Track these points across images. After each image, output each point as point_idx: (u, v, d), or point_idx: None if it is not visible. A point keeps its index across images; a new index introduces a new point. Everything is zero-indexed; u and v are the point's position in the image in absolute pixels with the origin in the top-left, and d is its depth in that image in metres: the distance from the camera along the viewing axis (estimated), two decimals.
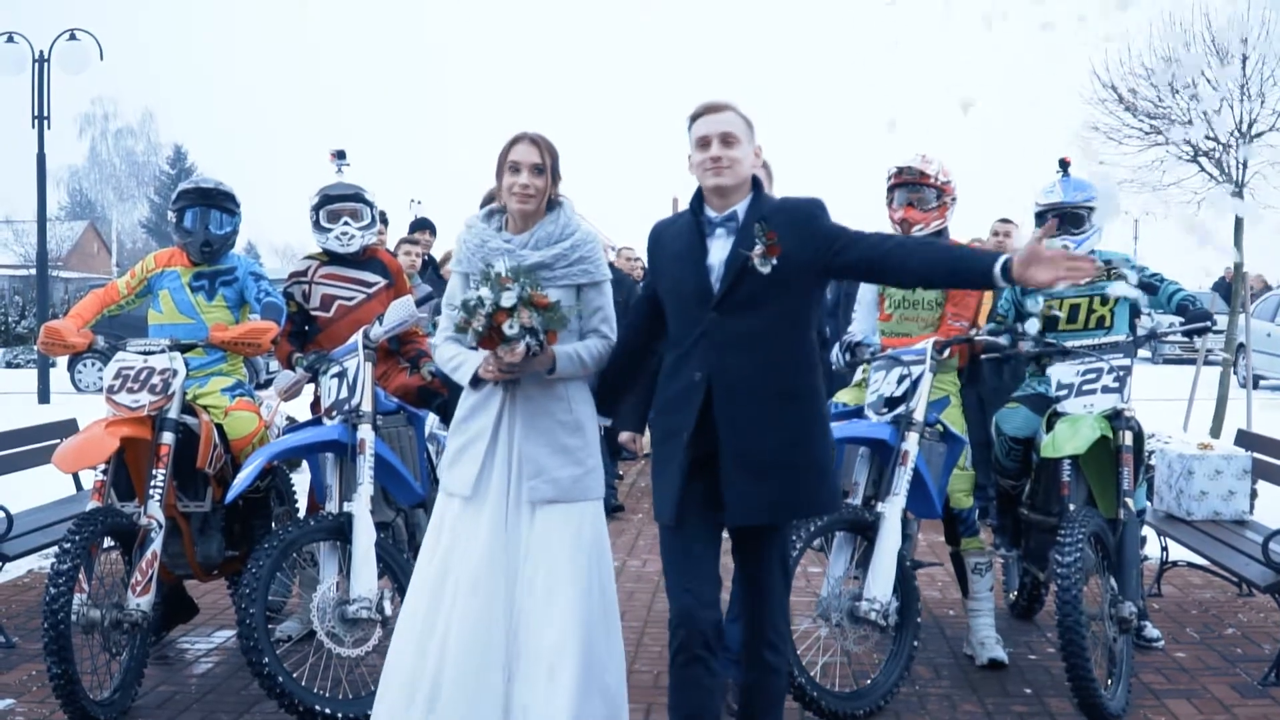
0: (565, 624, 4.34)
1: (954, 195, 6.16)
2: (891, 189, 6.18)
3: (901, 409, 5.58)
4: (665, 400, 4.29)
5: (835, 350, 6.07)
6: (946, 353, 5.80)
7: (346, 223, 6.47)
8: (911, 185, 6.10)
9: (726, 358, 4.11)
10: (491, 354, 4.34)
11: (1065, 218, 6.21)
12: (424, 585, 4.52)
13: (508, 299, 4.21)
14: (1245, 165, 15.97)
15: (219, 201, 6.21)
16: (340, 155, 6.68)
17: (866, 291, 6.38)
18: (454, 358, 4.57)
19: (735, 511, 4.13)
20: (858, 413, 5.83)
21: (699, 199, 4.28)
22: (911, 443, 5.49)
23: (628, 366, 4.63)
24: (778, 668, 4.38)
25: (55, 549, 5.26)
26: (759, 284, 4.07)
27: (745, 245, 4.09)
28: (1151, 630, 6.45)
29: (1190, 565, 7.67)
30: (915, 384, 5.59)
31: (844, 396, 6.19)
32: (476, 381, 4.49)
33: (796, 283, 4.10)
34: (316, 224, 6.52)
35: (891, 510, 5.38)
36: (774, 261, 4.03)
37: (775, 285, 4.07)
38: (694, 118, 4.25)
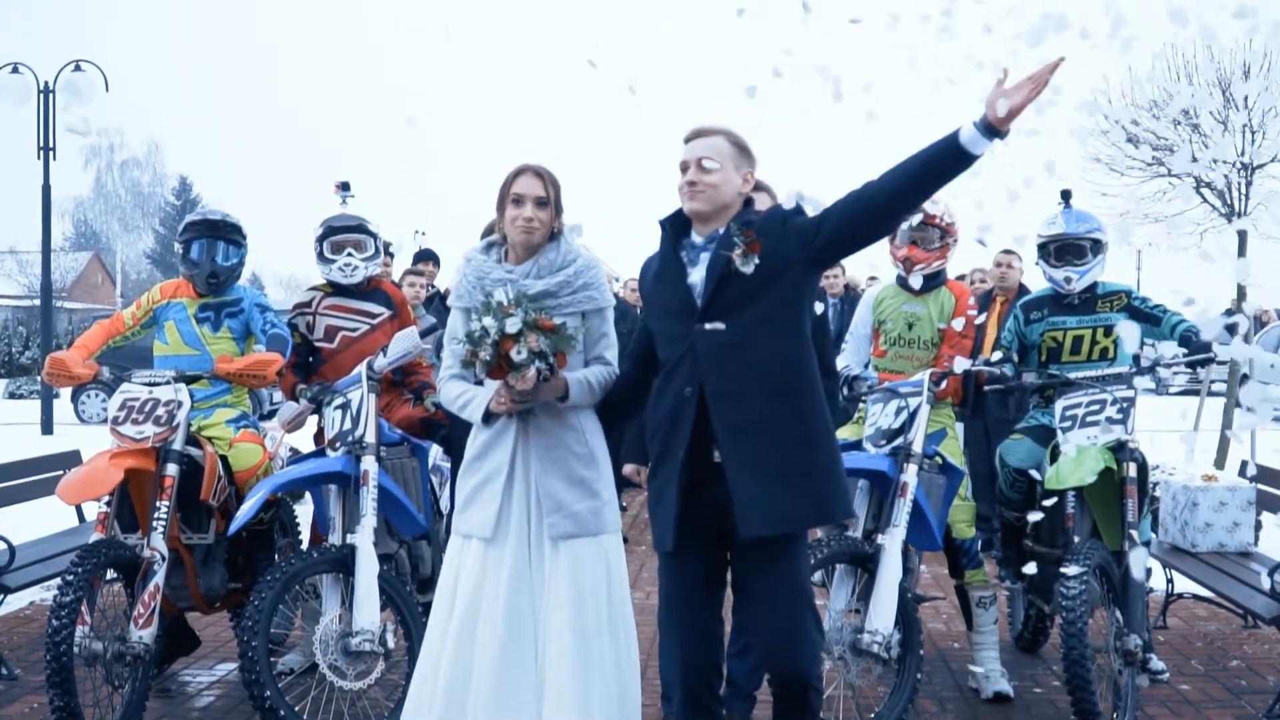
0: (597, 662, 4.25)
1: (956, 236, 6.21)
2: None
3: (900, 441, 5.58)
4: (656, 422, 4.23)
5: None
6: (944, 384, 5.81)
7: (350, 254, 6.49)
8: (917, 224, 6.12)
9: (716, 367, 4.05)
10: (502, 384, 4.27)
11: (1067, 249, 6.23)
12: (450, 630, 4.36)
13: (512, 325, 4.14)
14: (1248, 190, 16.02)
15: (226, 233, 6.24)
16: (345, 187, 6.71)
17: (861, 325, 6.39)
18: (461, 395, 4.49)
19: (747, 520, 4.01)
20: (856, 446, 5.82)
21: (673, 220, 4.27)
22: (910, 474, 5.48)
23: (628, 396, 4.55)
24: (818, 709, 4.27)
25: (58, 581, 5.26)
26: (743, 287, 4.03)
27: (726, 247, 4.05)
28: (1156, 663, 6.42)
29: (1195, 597, 7.65)
30: (913, 416, 5.59)
31: (843, 432, 6.18)
32: (488, 417, 4.40)
33: (781, 282, 4.04)
34: (320, 255, 6.55)
35: (892, 542, 5.36)
36: (756, 260, 4.00)
37: (759, 286, 4.03)
38: (685, 142, 4.23)
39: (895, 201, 3.95)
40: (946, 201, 6.16)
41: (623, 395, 4.54)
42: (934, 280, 6.21)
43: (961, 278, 10.03)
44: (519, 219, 4.42)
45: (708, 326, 4.08)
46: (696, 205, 4.14)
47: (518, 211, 4.42)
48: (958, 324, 6.12)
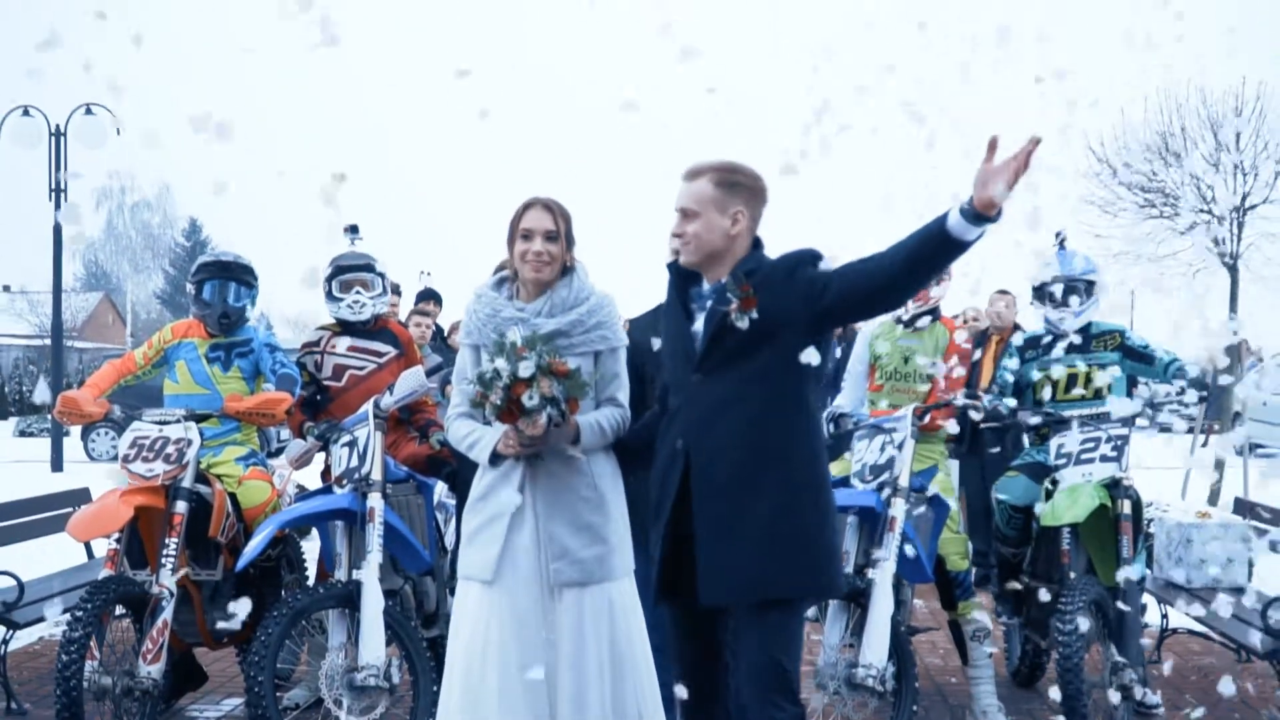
0: (596, 711, 4.13)
1: (949, 273, 6.24)
2: None
3: (886, 476, 5.59)
4: (654, 472, 4.07)
5: None
6: (928, 418, 5.83)
7: (358, 292, 6.52)
8: None
9: (706, 422, 3.86)
10: (511, 428, 4.12)
11: (1062, 289, 6.26)
12: (456, 673, 4.21)
13: (525, 369, 3.98)
14: (1240, 232, 16.10)
15: (237, 274, 6.28)
16: (353, 229, 6.74)
17: (856, 363, 6.43)
18: (469, 435, 4.33)
19: (707, 588, 3.80)
20: (844, 482, 5.83)
21: (680, 264, 4.06)
22: (898, 508, 5.49)
23: (650, 443, 4.25)
24: None
25: (67, 616, 5.26)
26: (739, 341, 3.80)
27: (722, 302, 3.83)
28: (1152, 697, 6.41)
29: (1190, 632, 7.63)
30: (899, 450, 5.61)
31: (831, 467, 6.19)
32: (495, 458, 4.23)
33: (781, 337, 3.78)
34: (329, 294, 6.57)
35: (882, 576, 5.37)
36: (752, 315, 3.76)
37: (757, 341, 3.79)
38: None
39: (893, 285, 3.72)
40: None
41: (647, 439, 4.29)
42: (930, 314, 6.25)
43: (956, 317, 10.06)
44: (529, 254, 4.27)
45: (704, 379, 3.90)
46: (685, 257, 3.97)
47: (527, 246, 4.27)
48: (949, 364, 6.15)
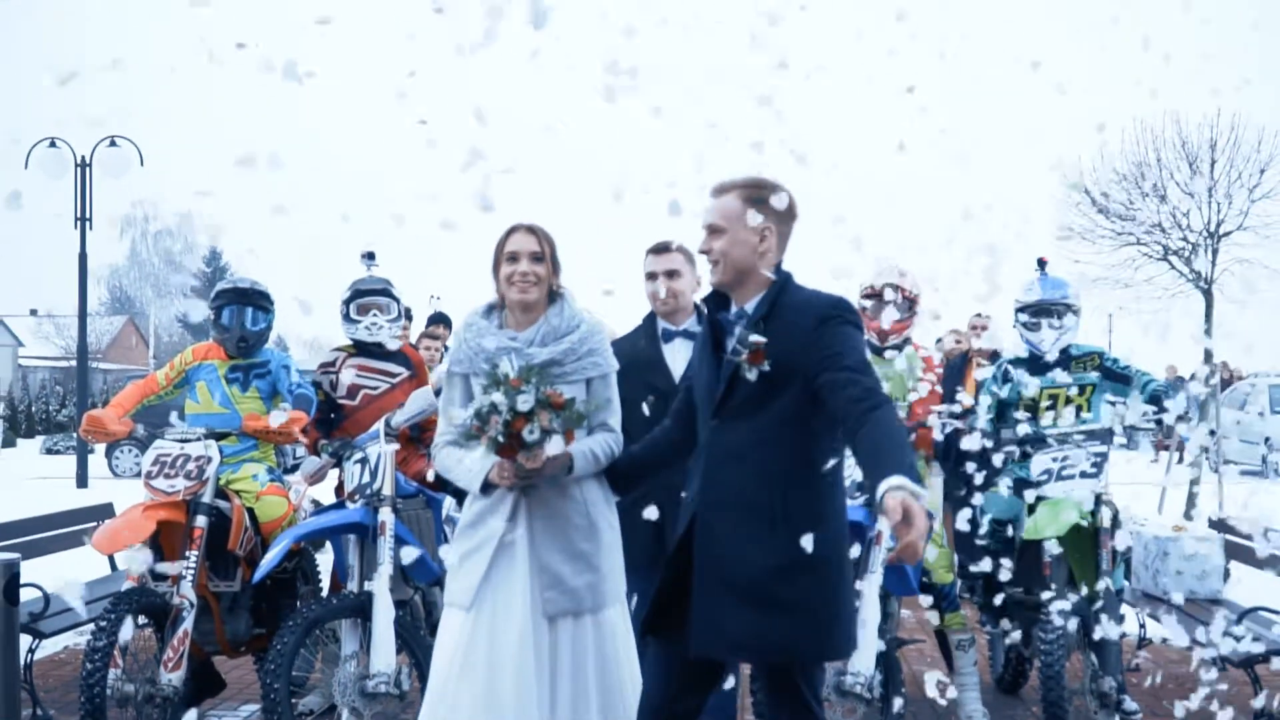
0: None
1: (919, 309, 6.25)
2: (866, 297, 6.23)
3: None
4: (680, 504, 3.85)
5: None
6: (913, 436, 5.84)
7: (375, 315, 6.54)
8: (886, 293, 6.16)
9: (717, 470, 3.65)
10: (508, 461, 3.96)
11: (1042, 313, 6.27)
12: (438, 705, 4.10)
13: (524, 403, 3.82)
14: (1214, 258, 16.14)
15: (255, 300, 6.31)
16: (370, 257, 6.76)
17: None
18: (459, 463, 4.19)
19: (698, 640, 3.59)
20: None
21: (714, 293, 3.85)
22: (884, 524, 5.48)
23: (663, 456, 4.18)
24: None
25: (92, 626, 5.27)
26: (753, 389, 3.59)
27: (735, 353, 3.62)
28: (1130, 704, 6.40)
29: (1166, 641, 7.63)
30: None
31: None
32: (487, 487, 4.11)
33: (796, 387, 3.56)
34: (346, 316, 6.59)
35: (869, 588, 5.37)
36: (762, 368, 3.55)
37: (772, 390, 3.57)
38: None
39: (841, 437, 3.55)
40: (914, 274, 6.23)
41: (658, 455, 4.19)
42: (903, 345, 6.28)
43: (940, 340, 10.12)
44: (515, 275, 4.17)
45: (720, 425, 3.68)
46: (714, 277, 3.74)
47: (513, 268, 4.18)
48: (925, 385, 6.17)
